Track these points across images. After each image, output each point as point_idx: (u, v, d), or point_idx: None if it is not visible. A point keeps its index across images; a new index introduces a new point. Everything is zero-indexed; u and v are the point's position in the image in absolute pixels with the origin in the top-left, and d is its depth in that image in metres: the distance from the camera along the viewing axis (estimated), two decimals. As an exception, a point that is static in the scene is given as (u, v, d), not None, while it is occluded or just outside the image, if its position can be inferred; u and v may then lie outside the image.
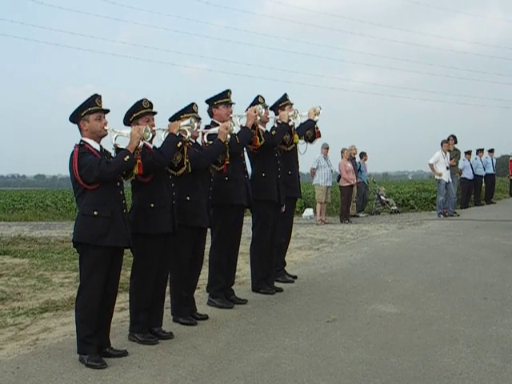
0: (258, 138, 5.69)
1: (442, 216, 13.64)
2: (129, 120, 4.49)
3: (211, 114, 5.52)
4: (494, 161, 18.59)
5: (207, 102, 5.51)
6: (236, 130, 5.42)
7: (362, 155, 15.83)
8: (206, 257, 5.48)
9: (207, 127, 5.38)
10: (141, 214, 4.42)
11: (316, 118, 6.38)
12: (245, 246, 6.26)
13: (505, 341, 4.43)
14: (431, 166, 13.76)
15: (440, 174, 13.57)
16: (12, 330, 4.94)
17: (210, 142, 5.12)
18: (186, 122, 4.63)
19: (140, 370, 3.87)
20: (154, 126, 4.50)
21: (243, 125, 5.57)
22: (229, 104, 5.48)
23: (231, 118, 5.51)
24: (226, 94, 5.47)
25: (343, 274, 7.05)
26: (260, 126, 5.78)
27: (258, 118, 5.59)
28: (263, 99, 5.95)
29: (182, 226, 4.68)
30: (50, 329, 4.93)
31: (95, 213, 3.98)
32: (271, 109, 6.24)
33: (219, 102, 5.46)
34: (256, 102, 5.86)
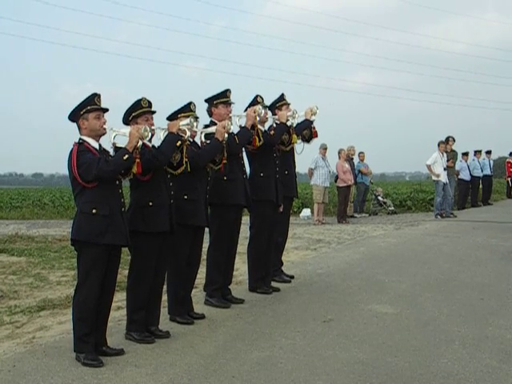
0: (257, 139, 5.69)
1: (439, 217, 13.65)
2: (128, 119, 4.49)
3: (210, 114, 5.51)
4: (492, 162, 18.65)
5: (206, 101, 5.51)
6: (235, 129, 5.41)
7: (360, 155, 15.87)
8: (204, 256, 5.49)
9: (206, 126, 5.38)
10: (139, 212, 4.41)
11: (313, 117, 6.38)
12: (242, 246, 6.26)
13: (501, 341, 4.45)
14: (429, 167, 13.77)
15: (438, 175, 13.60)
16: (8, 328, 4.94)
17: (208, 142, 5.12)
18: (186, 121, 4.64)
19: (136, 369, 3.87)
20: (153, 125, 4.51)
21: (242, 125, 5.57)
22: (228, 103, 5.47)
23: (230, 117, 5.51)
24: (225, 94, 5.47)
25: (340, 274, 7.06)
26: (259, 126, 5.78)
27: (258, 118, 5.58)
28: (262, 99, 5.94)
29: (179, 224, 4.68)
30: (46, 327, 4.93)
31: (94, 211, 3.98)
32: (268, 108, 6.24)
33: (219, 101, 5.45)
34: (255, 101, 5.85)
